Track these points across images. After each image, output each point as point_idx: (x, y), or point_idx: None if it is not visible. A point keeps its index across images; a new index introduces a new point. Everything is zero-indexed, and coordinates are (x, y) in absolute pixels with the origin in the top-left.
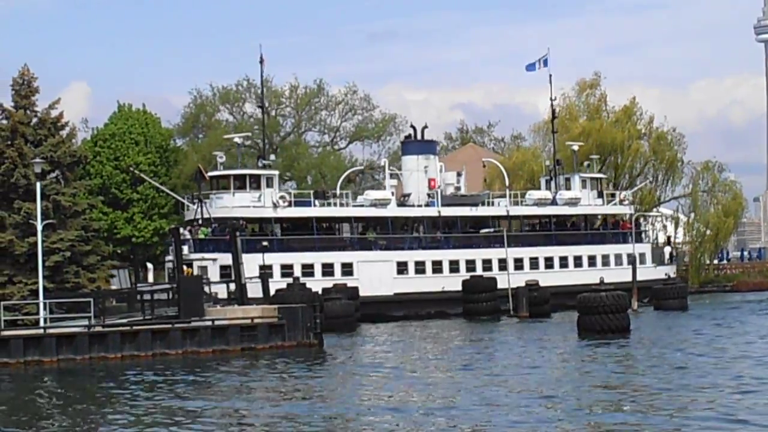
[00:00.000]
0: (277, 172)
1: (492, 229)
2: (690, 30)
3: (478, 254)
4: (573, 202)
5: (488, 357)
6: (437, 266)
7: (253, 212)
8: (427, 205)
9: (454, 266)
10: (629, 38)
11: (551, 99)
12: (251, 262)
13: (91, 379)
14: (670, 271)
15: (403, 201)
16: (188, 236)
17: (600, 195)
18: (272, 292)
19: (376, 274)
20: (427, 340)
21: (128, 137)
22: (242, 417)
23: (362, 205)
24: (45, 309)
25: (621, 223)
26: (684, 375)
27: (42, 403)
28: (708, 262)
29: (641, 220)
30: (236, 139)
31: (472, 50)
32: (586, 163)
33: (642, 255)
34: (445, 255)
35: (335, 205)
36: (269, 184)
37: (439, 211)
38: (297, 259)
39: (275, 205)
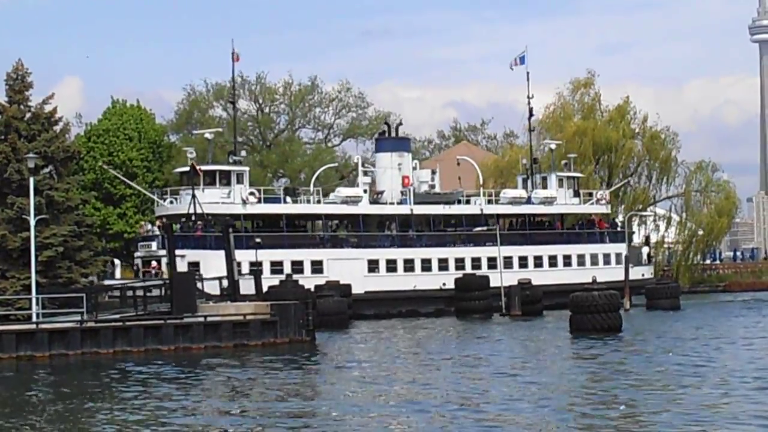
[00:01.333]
0: (247, 169)
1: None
2: (685, 30)
3: (451, 252)
4: (548, 201)
5: (486, 354)
6: (409, 264)
7: (222, 208)
8: (399, 202)
9: (426, 265)
10: (624, 37)
11: (528, 97)
12: (221, 258)
13: (83, 374)
14: (646, 271)
15: (376, 198)
16: (157, 232)
17: (576, 194)
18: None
19: (346, 272)
20: (421, 339)
21: (122, 133)
22: (230, 413)
23: (334, 203)
24: (38, 304)
25: (597, 223)
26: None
27: (34, 399)
28: (700, 261)
29: (633, 219)
30: (207, 135)
31: (467, 48)
32: (563, 162)
33: (618, 255)
34: (417, 253)
35: (306, 202)
36: (239, 181)
37: (411, 209)
38: (266, 256)
39: (244, 202)
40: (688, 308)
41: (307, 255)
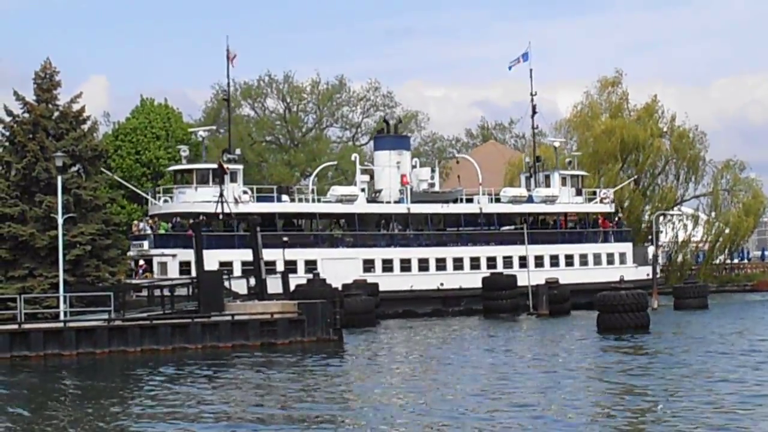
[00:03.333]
0: (241, 167)
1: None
2: (713, 28)
3: (449, 252)
4: (550, 200)
5: (513, 355)
6: (405, 264)
7: (213, 207)
8: (397, 201)
9: (423, 264)
10: (652, 36)
11: (531, 94)
12: (213, 258)
13: (111, 372)
14: (651, 271)
15: (374, 197)
16: (149, 231)
17: (579, 193)
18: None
19: (341, 271)
20: (449, 338)
21: (149, 131)
22: (258, 411)
23: (329, 201)
24: (65, 302)
25: (601, 221)
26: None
27: (61, 397)
28: (728, 260)
29: (660, 218)
30: (200, 133)
31: (493, 47)
32: (567, 161)
33: (622, 255)
34: (414, 253)
35: (301, 200)
36: (233, 179)
37: (408, 208)
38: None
39: (236, 201)
40: (716, 308)
41: (300, 254)
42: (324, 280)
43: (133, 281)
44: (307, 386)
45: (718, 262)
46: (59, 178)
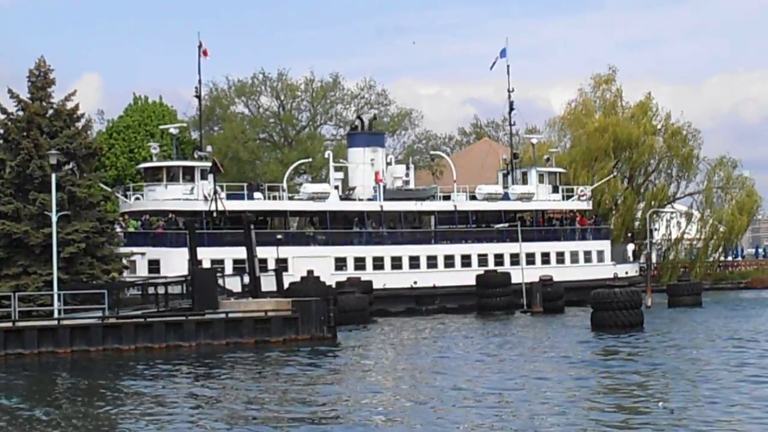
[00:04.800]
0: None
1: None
2: (708, 25)
3: (424, 250)
4: (526, 197)
5: (507, 350)
6: (378, 262)
7: (183, 205)
8: (370, 199)
9: (396, 262)
10: (647, 34)
11: (509, 90)
12: (182, 256)
13: (105, 370)
14: (631, 269)
15: (347, 195)
16: (119, 229)
17: (556, 190)
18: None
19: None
20: (443, 335)
21: (143, 129)
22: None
23: (301, 199)
24: (59, 300)
25: (579, 219)
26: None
27: (55, 395)
28: (722, 258)
29: (655, 216)
30: (171, 130)
31: (487, 44)
32: (545, 157)
33: (600, 252)
34: (387, 251)
35: (272, 198)
36: (204, 177)
37: (381, 206)
38: (228, 254)
39: (206, 198)
40: (710, 305)
41: (270, 253)
42: (318, 277)
43: (127, 279)
44: (300, 384)
45: (712, 259)
46: (53, 176)
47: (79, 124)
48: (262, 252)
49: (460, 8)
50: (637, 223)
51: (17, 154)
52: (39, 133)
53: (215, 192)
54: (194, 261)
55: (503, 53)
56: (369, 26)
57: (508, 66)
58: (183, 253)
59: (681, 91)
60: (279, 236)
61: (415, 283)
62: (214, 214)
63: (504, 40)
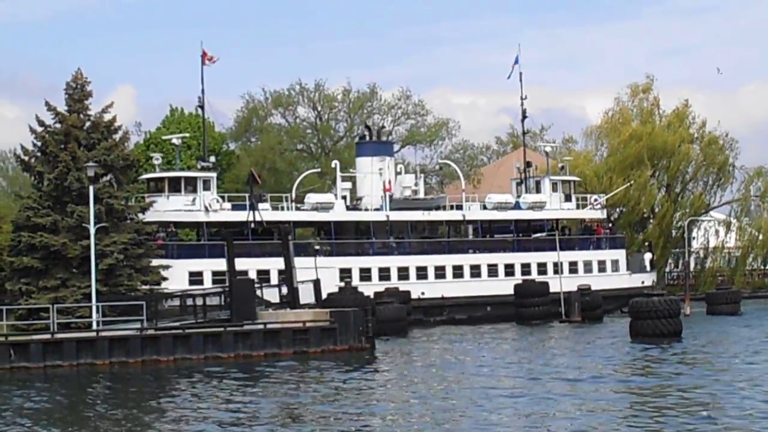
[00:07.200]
0: (214, 175)
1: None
2: (744, 33)
3: (430, 261)
4: (538, 206)
5: (548, 362)
6: (384, 273)
7: (185, 216)
8: (377, 209)
9: (402, 273)
10: (684, 41)
11: (521, 98)
12: (183, 268)
13: (144, 381)
14: (648, 279)
15: (355, 204)
16: None
17: (568, 198)
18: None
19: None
20: (483, 346)
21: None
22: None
23: (305, 209)
24: (98, 312)
25: (596, 228)
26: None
27: (94, 406)
28: (761, 267)
29: (693, 224)
30: (174, 140)
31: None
32: (559, 166)
33: (615, 262)
34: (393, 261)
35: (279, 208)
36: (206, 187)
37: (387, 216)
38: (253, 264)
39: (207, 209)
40: (748, 313)
41: (274, 264)
42: (356, 288)
43: (165, 291)
44: (338, 395)
45: (750, 268)
46: (91, 188)
47: (117, 136)
48: (263, 263)
49: (493, 18)
50: (674, 232)
51: (55, 166)
52: (77, 145)
53: (252, 203)
54: (232, 272)
55: (516, 60)
56: (403, 36)
57: (520, 73)
58: (185, 264)
59: (717, 99)
60: (317, 246)
61: (423, 293)
62: (252, 225)
63: (534, 49)
